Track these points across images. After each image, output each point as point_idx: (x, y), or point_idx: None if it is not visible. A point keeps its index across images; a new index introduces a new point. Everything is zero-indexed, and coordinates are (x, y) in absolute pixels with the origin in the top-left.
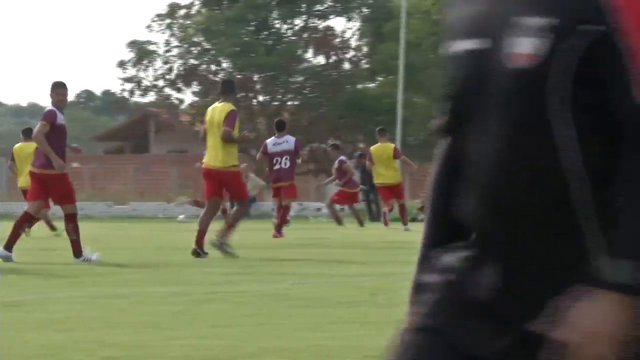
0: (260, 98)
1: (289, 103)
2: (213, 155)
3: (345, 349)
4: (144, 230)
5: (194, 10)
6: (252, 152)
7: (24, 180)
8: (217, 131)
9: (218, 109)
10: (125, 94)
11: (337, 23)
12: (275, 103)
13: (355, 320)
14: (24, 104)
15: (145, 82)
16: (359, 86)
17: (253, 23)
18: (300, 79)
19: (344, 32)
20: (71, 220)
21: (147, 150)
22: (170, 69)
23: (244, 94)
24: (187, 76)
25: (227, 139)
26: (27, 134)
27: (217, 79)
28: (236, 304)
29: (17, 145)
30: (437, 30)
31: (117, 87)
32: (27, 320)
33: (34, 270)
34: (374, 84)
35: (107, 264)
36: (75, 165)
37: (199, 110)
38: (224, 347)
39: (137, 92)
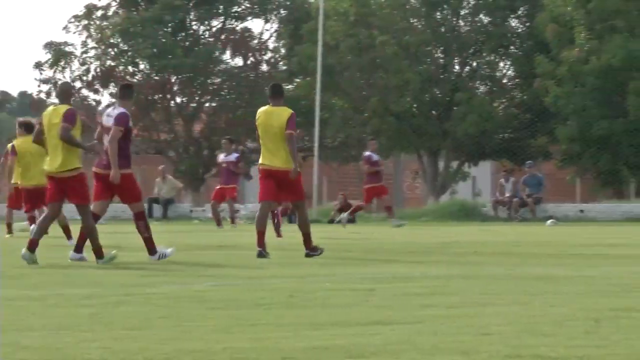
0: (178, 100)
1: (207, 105)
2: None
3: (262, 351)
4: (60, 232)
5: (110, 12)
6: (170, 153)
7: (32, 178)
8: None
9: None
10: (42, 96)
11: (255, 25)
12: (193, 105)
13: (272, 322)
14: None
15: None
16: None
17: (170, 24)
18: (218, 80)
19: (261, 33)
20: (140, 218)
21: None
22: (87, 71)
23: (161, 95)
24: (104, 77)
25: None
26: (29, 128)
27: (135, 80)
28: (152, 306)
29: (19, 141)
30: (354, 32)
31: (33, 88)
32: None
33: None
34: (291, 86)
35: (21, 266)
36: None
37: None
38: (140, 349)
39: (54, 94)
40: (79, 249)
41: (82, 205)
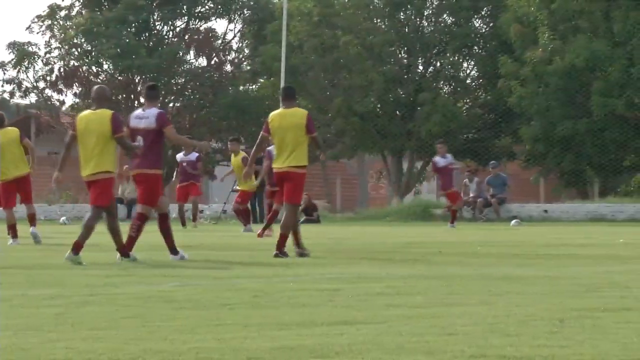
0: (142, 100)
1: (171, 105)
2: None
3: (228, 351)
4: (24, 232)
5: (74, 12)
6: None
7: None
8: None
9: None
10: (6, 96)
11: (219, 25)
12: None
13: (237, 322)
14: None
15: (26, 84)
16: (241, 88)
17: (134, 25)
18: (182, 80)
19: (225, 33)
20: (140, 219)
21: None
22: (51, 71)
23: (125, 95)
24: (68, 78)
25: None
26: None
27: (98, 80)
28: (117, 306)
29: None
30: (318, 33)
31: None
32: None
33: None
34: (255, 86)
35: None
36: None
37: (79, 112)
38: (106, 349)
39: (18, 94)
40: (173, 250)
41: (102, 207)
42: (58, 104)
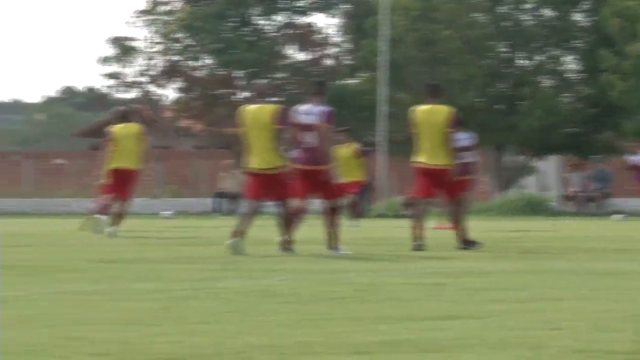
0: (243, 94)
1: (271, 99)
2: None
3: (333, 345)
4: (128, 226)
5: (175, 7)
6: (236, 147)
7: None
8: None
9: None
10: (108, 90)
11: (318, 19)
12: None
13: (342, 316)
14: (6, 99)
15: (128, 78)
16: (341, 82)
17: (234, 19)
18: (282, 75)
19: (325, 28)
20: (335, 213)
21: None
22: (152, 65)
23: (225, 90)
24: (169, 72)
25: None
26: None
27: (199, 75)
28: (221, 300)
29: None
30: (418, 27)
31: (99, 83)
32: (11, 317)
33: (14, 267)
34: (355, 80)
35: (90, 259)
36: (59, 161)
37: (181, 106)
38: (210, 344)
39: (120, 89)
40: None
41: (283, 200)
42: (160, 98)
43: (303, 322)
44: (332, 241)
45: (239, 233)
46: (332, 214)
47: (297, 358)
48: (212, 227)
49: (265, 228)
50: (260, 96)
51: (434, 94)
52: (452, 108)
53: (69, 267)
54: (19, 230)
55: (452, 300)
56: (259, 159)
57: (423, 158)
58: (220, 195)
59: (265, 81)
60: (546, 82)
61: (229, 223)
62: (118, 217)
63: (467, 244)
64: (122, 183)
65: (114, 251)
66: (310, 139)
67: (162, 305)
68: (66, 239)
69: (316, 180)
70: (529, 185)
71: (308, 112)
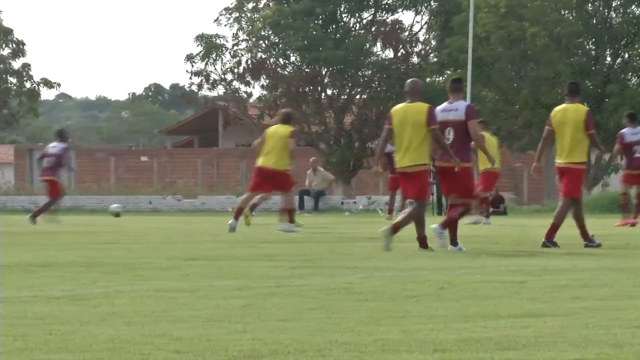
0: (329, 92)
1: (357, 97)
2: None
3: (413, 343)
4: (213, 224)
5: (261, 4)
6: (321, 145)
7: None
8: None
9: None
10: (194, 88)
11: (405, 17)
12: (344, 97)
13: (422, 314)
14: (92, 97)
15: (214, 76)
16: (428, 79)
17: (321, 17)
18: (369, 72)
19: (412, 25)
20: (465, 211)
21: (216, 143)
22: (238, 63)
23: (312, 87)
24: (255, 70)
25: None
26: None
27: (285, 72)
28: (302, 297)
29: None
30: (505, 24)
31: (185, 80)
32: (93, 314)
33: (98, 264)
34: (442, 78)
35: (172, 257)
36: (144, 159)
37: (266, 104)
38: (292, 341)
39: (206, 86)
40: (453, 241)
41: (419, 200)
42: (245, 96)
43: (383, 319)
44: (453, 237)
45: (395, 229)
46: (460, 210)
47: (377, 356)
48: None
49: (346, 225)
50: (411, 95)
51: (573, 93)
52: (586, 107)
53: (151, 265)
54: (103, 228)
55: (532, 297)
56: (403, 157)
57: (559, 158)
58: (306, 192)
59: (416, 79)
60: (633, 79)
61: (313, 221)
62: (285, 214)
63: (552, 244)
64: (267, 181)
65: (197, 249)
66: (450, 135)
67: (245, 302)
68: (150, 237)
69: (452, 176)
70: (615, 183)
71: (449, 108)
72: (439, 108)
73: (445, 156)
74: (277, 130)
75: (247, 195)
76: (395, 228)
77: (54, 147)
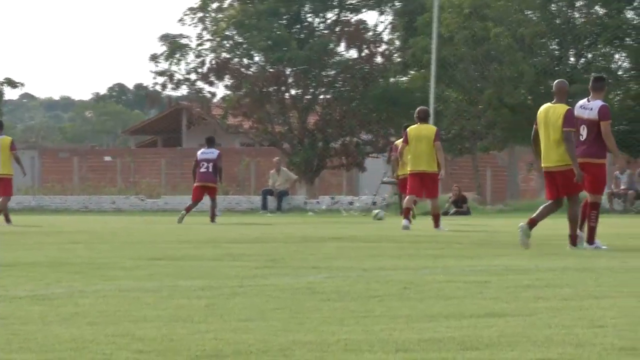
0: (293, 92)
1: (321, 97)
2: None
3: (376, 343)
4: (175, 224)
5: (226, 4)
6: (285, 145)
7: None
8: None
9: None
10: (158, 88)
11: (369, 17)
12: (307, 97)
13: (385, 314)
14: (56, 97)
15: (178, 76)
16: (391, 80)
17: (285, 17)
18: (333, 72)
19: (376, 25)
20: (594, 208)
21: (180, 143)
22: (202, 63)
23: (276, 87)
24: (219, 70)
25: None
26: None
27: (249, 72)
28: (266, 297)
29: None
30: (469, 24)
31: (149, 80)
32: (57, 314)
33: (61, 264)
34: (406, 78)
35: (136, 257)
36: (107, 159)
37: (230, 104)
38: (255, 340)
39: (170, 86)
40: (590, 239)
41: (574, 195)
42: (209, 96)
43: (346, 319)
44: (591, 235)
45: (533, 222)
46: (591, 208)
47: (340, 355)
48: (260, 224)
49: (309, 225)
50: (558, 95)
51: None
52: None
53: (115, 265)
54: (67, 228)
55: (496, 297)
56: (547, 156)
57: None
58: (269, 192)
59: (563, 80)
60: None
61: (274, 220)
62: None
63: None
64: (422, 184)
65: (160, 249)
66: (584, 132)
67: (208, 302)
68: (113, 237)
69: (592, 174)
70: None
71: (586, 106)
72: (578, 104)
73: (586, 153)
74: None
75: None
76: (532, 223)
77: None
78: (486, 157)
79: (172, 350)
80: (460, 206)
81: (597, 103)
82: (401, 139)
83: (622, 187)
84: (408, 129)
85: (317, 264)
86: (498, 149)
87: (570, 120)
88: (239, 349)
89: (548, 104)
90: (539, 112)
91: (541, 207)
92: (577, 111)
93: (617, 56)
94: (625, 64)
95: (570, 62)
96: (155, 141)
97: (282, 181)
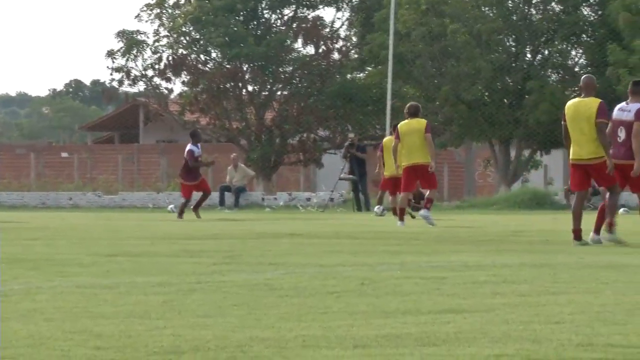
0: (250, 88)
1: (278, 93)
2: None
3: (333, 339)
4: (133, 220)
5: (183, 0)
6: (242, 141)
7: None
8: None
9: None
10: (115, 84)
11: (327, 13)
12: (265, 93)
13: (343, 310)
14: (12, 93)
15: (135, 72)
16: (348, 76)
17: (242, 13)
18: (290, 68)
19: (333, 22)
20: None
21: (137, 140)
22: (159, 59)
23: (233, 83)
24: (176, 66)
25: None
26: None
27: (206, 68)
28: (224, 294)
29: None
30: (426, 21)
31: (106, 76)
32: (14, 310)
33: (19, 261)
34: (363, 74)
35: (93, 253)
36: (64, 155)
37: (187, 100)
38: (213, 337)
39: (127, 82)
40: (597, 230)
41: (612, 185)
42: (166, 92)
43: (304, 315)
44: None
45: (611, 225)
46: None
47: (297, 352)
48: (217, 220)
49: (267, 222)
50: (585, 90)
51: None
52: (599, 100)
53: (72, 261)
54: (24, 224)
55: (453, 293)
56: (579, 149)
57: (576, 155)
58: (226, 189)
59: (591, 75)
60: (553, 76)
61: (232, 217)
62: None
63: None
64: (417, 177)
65: (118, 245)
66: (622, 134)
67: (165, 298)
68: (71, 233)
69: (626, 174)
70: (535, 180)
71: (624, 109)
72: (617, 106)
73: (625, 155)
74: None
75: None
76: (611, 225)
77: None
78: (443, 154)
79: (130, 347)
80: (418, 202)
81: (636, 105)
82: (390, 137)
83: None
84: (399, 125)
85: (275, 260)
86: (455, 145)
87: (603, 111)
88: (197, 345)
89: (576, 99)
90: (566, 108)
91: (577, 207)
92: (616, 113)
93: (573, 52)
94: (581, 60)
95: (527, 59)
96: (113, 137)
97: (239, 177)
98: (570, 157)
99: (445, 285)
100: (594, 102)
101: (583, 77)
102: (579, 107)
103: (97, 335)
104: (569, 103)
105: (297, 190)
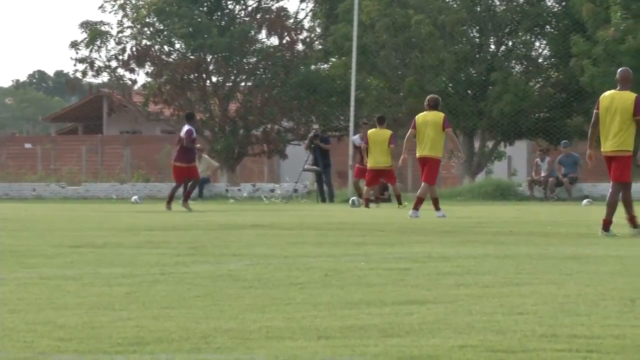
0: (213, 79)
1: (242, 84)
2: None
3: (297, 330)
4: (96, 211)
5: None
6: (206, 133)
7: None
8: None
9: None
10: (78, 75)
11: (291, 4)
12: (229, 84)
13: (307, 301)
14: None
15: (98, 63)
16: (312, 67)
17: (206, 4)
18: (254, 59)
19: (297, 13)
20: None
21: (100, 131)
22: (123, 50)
23: (196, 74)
24: (140, 57)
25: None
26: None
27: (170, 59)
28: (187, 285)
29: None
30: (390, 12)
31: (69, 67)
32: None
33: None
34: (327, 65)
35: (57, 244)
36: (28, 146)
37: (151, 91)
38: (176, 328)
39: (90, 73)
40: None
41: (623, 183)
42: (130, 83)
43: (267, 307)
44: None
45: (633, 219)
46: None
47: (261, 342)
48: (181, 211)
49: (231, 213)
50: (622, 83)
51: (624, 81)
52: (635, 94)
53: (35, 252)
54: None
55: (417, 285)
56: (608, 141)
57: (607, 147)
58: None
59: (627, 68)
60: (517, 67)
61: (196, 207)
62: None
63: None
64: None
65: (81, 236)
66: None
67: (129, 290)
68: (34, 224)
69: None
70: (498, 171)
71: None
72: None
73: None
74: None
75: None
76: (633, 220)
77: None
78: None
79: (93, 338)
80: (382, 193)
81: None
82: (374, 129)
83: (543, 174)
84: (416, 117)
85: (239, 252)
86: None
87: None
88: (161, 337)
89: (613, 91)
90: (602, 98)
91: (611, 199)
92: None
93: (537, 44)
94: (545, 51)
95: (490, 50)
96: (76, 128)
97: (203, 168)
98: (602, 149)
99: (409, 277)
100: (630, 96)
101: (620, 69)
102: (615, 98)
103: (60, 326)
104: (606, 94)
105: (261, 181)
